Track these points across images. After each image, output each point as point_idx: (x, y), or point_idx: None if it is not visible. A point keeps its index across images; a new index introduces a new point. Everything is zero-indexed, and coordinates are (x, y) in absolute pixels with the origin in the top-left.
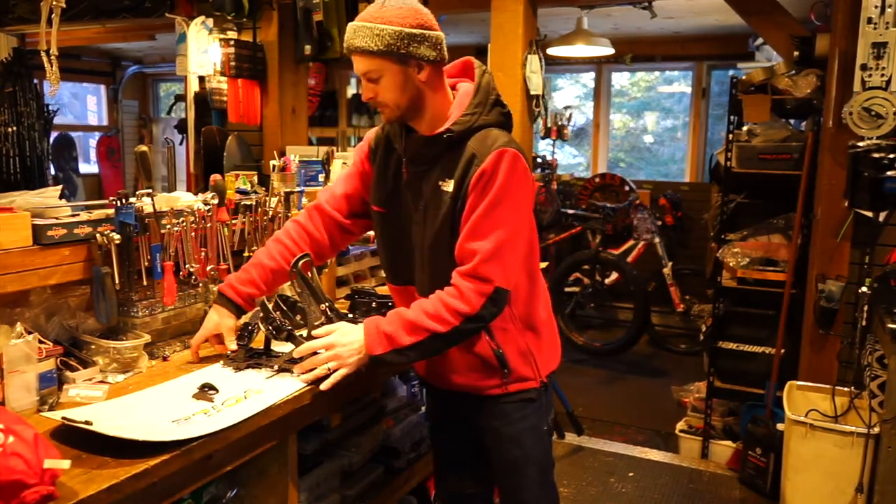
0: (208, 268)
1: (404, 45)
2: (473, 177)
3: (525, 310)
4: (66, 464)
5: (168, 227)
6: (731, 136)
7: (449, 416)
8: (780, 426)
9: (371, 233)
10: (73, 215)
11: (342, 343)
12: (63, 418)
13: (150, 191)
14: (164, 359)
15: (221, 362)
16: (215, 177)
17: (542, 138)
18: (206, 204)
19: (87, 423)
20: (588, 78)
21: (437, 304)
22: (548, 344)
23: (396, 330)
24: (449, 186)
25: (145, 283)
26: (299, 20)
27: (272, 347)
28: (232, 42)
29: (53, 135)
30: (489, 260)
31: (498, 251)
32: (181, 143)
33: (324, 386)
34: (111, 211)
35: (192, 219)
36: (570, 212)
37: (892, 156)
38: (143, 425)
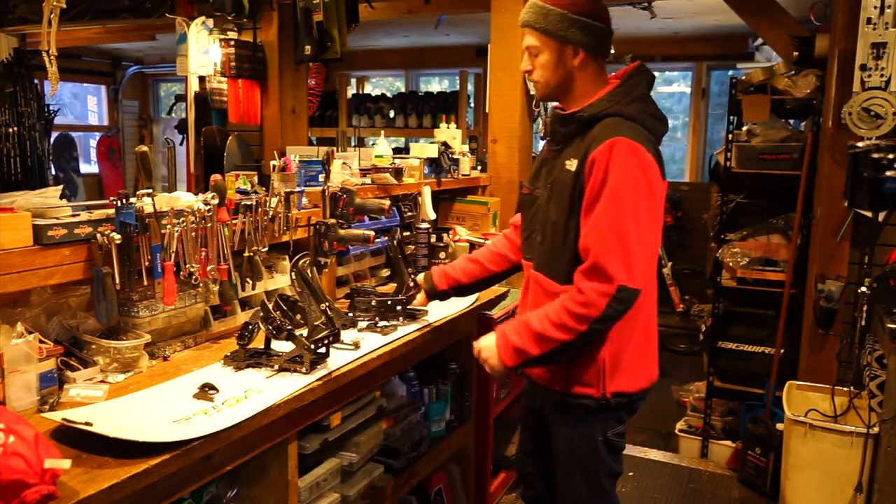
0: (208, 268)
1: (565, 27)
2: (587, 162)
3: (621, 325)
4: (66, 463)
5: (168, 227)
6: (730, 136)
7: (527, 391)
8: (779, 426)
9: (371, 233)
10: (73, 215)
11: (487, 347)
12: (63, 419)
13: (150, 191)
14: (165, 359)
15: (221, 362)
16: (215, 177)
17: (542, 138)
18: (206, 204)
19: (87, 424)
20: None
21: (561, 312)
22: (629, 363)
23: (525, 343)
24: (573, 166)
25: (146, 283)
26: (299, 20)
27: (272, 347)
28: (232, 42)
29: (54, 135)
30: (609, 256)
31: (619, 246)
32: (181, 144)
33: None
34: (111, 211)
35: (192, 219)
36: None
37: (891, 156)
38: (144, 426)
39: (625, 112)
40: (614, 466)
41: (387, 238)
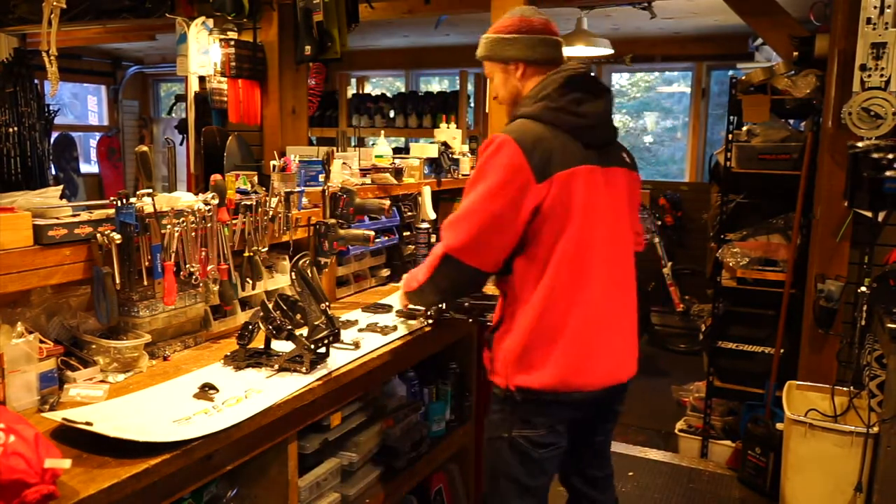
0: (209, 268)
1: (500, 48)
2: None
3: (526, 317)
4: (66, 463)
5: (168, 227)
6: (730, 136)
7: None
8: (779, 426)
9: (371, 233)
10: (73, 215)
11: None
12: (63, 419)
13: (150, 191)
14: (165, 358)
15: (222, 361)
16: (216, 177)
17: None
18: (206, 204)
19: (87, 423)
20: None
21: (424, 262)
22: (534, 358)
23: (410, 278)
24: None
25: (146, 283)
26: (299, 20)
27: (272, 347)
28: (232, 42)
29: (54, 135)
30: (447, 227)
31: (457, 221)
32: (181, 144)
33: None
34: (112, 211)
35: (192, 219)
36: None
37: (891, 156)
38: (144, 426)
39: (527, 112)
40: (519, 474)
41: (388, 238)
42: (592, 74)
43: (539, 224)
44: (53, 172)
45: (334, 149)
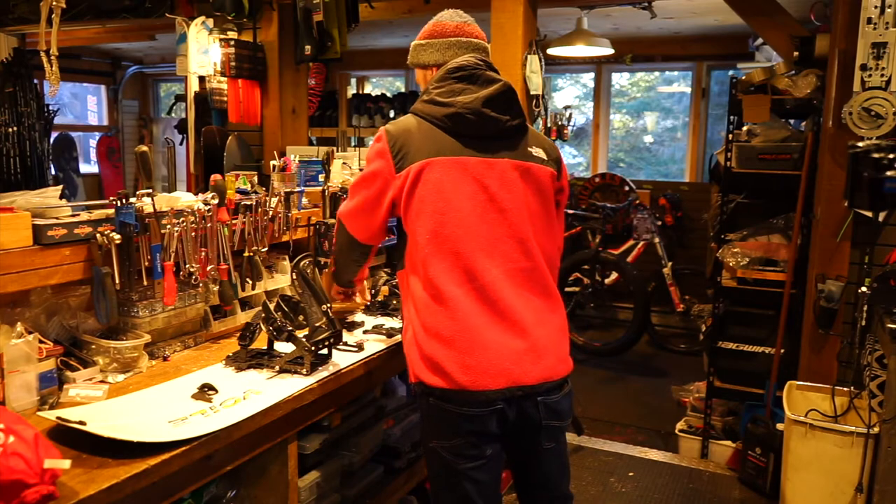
0: (208, 268)
1: (417, 54)
2: None
3: (412, 311)
4: (66, 463)
5: (168, 227)
6: (731, 136)
7: None
8: (779, 426)
9: None
10: (73, 215)
11: None
12: (58, 418)
13: (150, 191)
14: (165, 359)
15: (223, 362)
16: (215, 177)
17: None
18: (206, 204)
19: (80, 423)
20: (588, 78)
21: None
22: (428, 351)
23: None
24: None
25: (145, 283)
26: (299, 20)
27: (275, 348)
28: (232, 42)
29: (54, 135)
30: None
31: (349, 192)
32: (181, 144)
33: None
34: (111, 211)
35: (192, 219)
36: (570, 212)
37: (891, 156)
38: (139, 426)
39: (415, 110)
40: (448, 482)
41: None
42: (483, 65)
43: (404, 215)
44: (53, 172)
45: (334, 149)
